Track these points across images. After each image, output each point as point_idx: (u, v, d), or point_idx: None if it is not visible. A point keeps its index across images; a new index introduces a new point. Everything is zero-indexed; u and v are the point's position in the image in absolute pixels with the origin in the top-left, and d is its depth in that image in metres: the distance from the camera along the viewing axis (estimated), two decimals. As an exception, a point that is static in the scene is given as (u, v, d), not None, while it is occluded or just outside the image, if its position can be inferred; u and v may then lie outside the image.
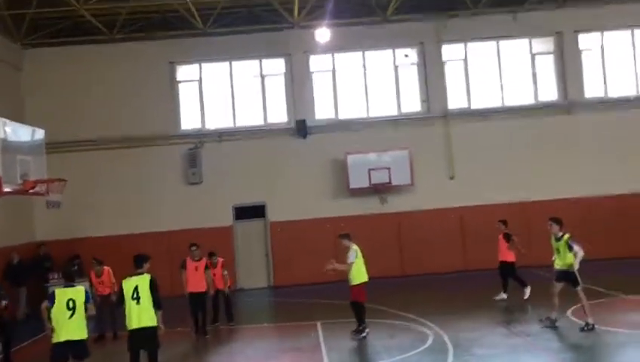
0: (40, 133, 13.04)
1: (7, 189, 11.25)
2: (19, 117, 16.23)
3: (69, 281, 8.70)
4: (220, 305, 13.73)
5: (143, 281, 8.60)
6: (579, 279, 10.92)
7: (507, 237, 14.53)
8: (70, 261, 17.90)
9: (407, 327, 12.18)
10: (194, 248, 12.95)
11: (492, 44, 20.30)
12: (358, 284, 11.51)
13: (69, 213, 17.34)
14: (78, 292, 8.41)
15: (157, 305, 8.54)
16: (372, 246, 18.82)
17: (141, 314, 8.42)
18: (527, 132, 19.61)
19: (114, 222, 18.73)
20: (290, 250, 18.94)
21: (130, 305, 8.45)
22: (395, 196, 19.50)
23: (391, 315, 13.17)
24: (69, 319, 8.24)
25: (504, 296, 14.25)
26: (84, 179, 18.04)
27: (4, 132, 11.47)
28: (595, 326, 10.63)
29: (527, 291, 14.05)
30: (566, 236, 11.05)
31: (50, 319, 8.28)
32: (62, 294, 8.35)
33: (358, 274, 11.51)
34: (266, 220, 19.55)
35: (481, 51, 20.38)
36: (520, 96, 20.26)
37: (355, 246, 11.63)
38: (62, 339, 8.23)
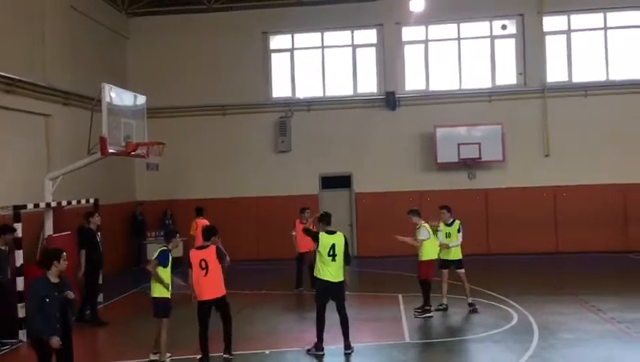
0: (142, 99, 13.77)
1: (111, 150, 12.03)
2: (122, 82, 17.19)
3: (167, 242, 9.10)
4: (303, 269, 13.94)
5: (339, 239, 9.07)
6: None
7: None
8: (164, 215, 19.04)
9: (491, 306, 11.98)
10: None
11: (599, 15, 19.10)
12: (426, 261, 11.36)
13: (166, 175, 18.30)
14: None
15: (347, 261, 9.13)
16: (458, 222, 18.62)
17: (336, 270, 9.00)
18: (633, 109, 18.45)
19: (206, 186, 19.49)
20: (375, 222, 18.98)
21: (325, 260, 8.97)
22: (484, 172, 19.01)
23: (474, 293, 12.94)
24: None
25: None
26: (180, 144, 18.85)
27: (110, 96, 12.21)
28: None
29: None
30: (457, 221, 11.67)
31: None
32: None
33: (428, 250, 11.35)
34: (352, 191, 19.68)
35: (586, 23, 19.24)
36: (626, 70, 18.98)
37: (426, 224, 11.47)
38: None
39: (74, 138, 14.16)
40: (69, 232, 12.39)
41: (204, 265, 8.63)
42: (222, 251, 8.90)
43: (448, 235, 11.67)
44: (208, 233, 9.00)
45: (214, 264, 8.69)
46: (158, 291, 8.77)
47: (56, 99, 15.13)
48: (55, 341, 6.67)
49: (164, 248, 8.90)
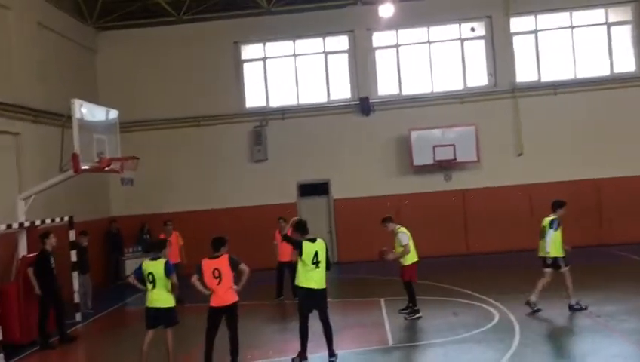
0: (114, 113, 13.58)
1: (84, 167, 11.83)
2: (93, 98, 16.97)
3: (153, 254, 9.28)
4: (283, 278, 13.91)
5: (321, 246, 9.08)
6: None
7: None
8: (141, 229, 18.80)
9: (472, 305, 12.06)
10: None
11: (565, 15, 19.47)
12: (410, 265, 11.46)
13: (141, 190, 18.05)
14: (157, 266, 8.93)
15: (328, 267, 9.15)
16: (436, 224, 18.75)
17: (320, 277, 9.00)
18: (601, 105, 18.82)
19: (183, 199, 19.32)
20: (354, 227, 19.02)
21: (309, 268, 8.95)
22: (459, 173, 19.17)
23: (455, 293, 13.07)
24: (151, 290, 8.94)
25: None
26: (154, 157, 18.66)
27: (81, 112, 12.02)
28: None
29: None
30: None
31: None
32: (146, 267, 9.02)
33: (412, 253, 11.46)
34: (330, 197, 19.68)
35: (553, 23, 19.60)
36: (594, 68, 19.40)
37: (403, 228, 11.57)
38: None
39: (45, 156, 13.93)
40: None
41: (217, 274, 8.78)
42: (235, 259, 9.01)
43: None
44: (218, 243, 9.07)
45: (227, 272, 8.85)
46: (172, 301, 8.97)
47: (26, 117, 14.87)
48: None
49: (165, 258, 9.07)
